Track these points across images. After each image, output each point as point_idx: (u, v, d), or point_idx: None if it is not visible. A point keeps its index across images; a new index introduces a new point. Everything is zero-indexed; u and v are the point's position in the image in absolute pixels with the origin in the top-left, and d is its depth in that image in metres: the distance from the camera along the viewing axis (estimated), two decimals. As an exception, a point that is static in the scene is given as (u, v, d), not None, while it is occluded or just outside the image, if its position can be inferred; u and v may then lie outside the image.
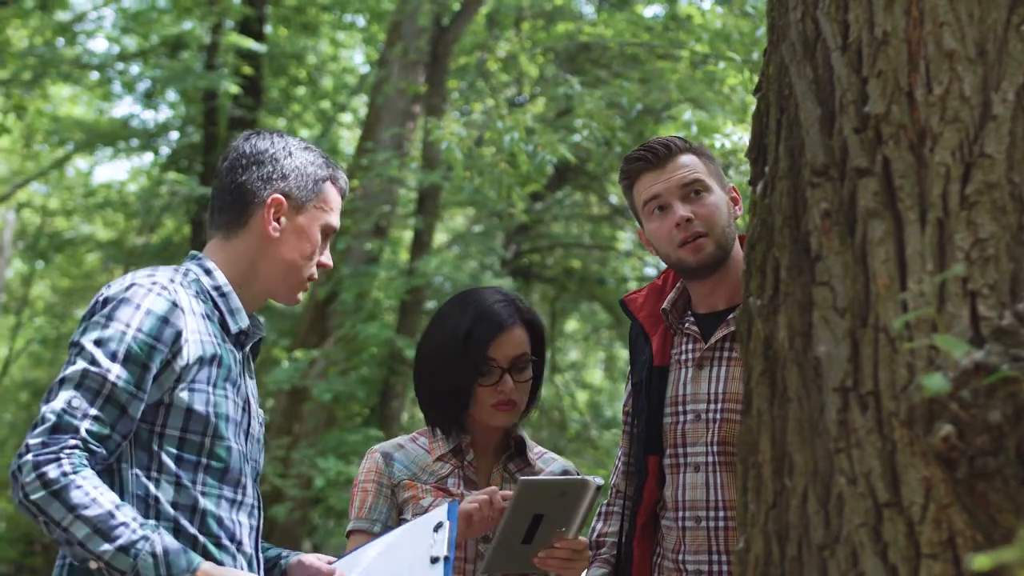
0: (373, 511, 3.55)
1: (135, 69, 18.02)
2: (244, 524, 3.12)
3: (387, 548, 3.21)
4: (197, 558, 2.86)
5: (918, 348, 2.04)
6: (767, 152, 2.39)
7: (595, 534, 3.77)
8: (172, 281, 3.09)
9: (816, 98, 2.28)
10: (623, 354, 17.92)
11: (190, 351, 3.01)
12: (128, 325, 2.96)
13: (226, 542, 3.05)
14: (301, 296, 3.29)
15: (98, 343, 2.95)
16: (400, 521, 3.52)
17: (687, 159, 3.56)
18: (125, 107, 35.16)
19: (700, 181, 3.53)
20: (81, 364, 2.93)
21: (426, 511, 3.46)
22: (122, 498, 2.92)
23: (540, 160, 9.09)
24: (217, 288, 3.17)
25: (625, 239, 17.36)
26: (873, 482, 2.05)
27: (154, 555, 2.79)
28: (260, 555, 3.21)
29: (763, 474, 2.25)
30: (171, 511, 2.97)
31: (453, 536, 3.03)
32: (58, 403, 2.88)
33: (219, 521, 3.04)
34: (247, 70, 16.19)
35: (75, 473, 2.81)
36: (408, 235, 15.33)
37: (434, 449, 3.63)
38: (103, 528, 2.79)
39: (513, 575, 3.49)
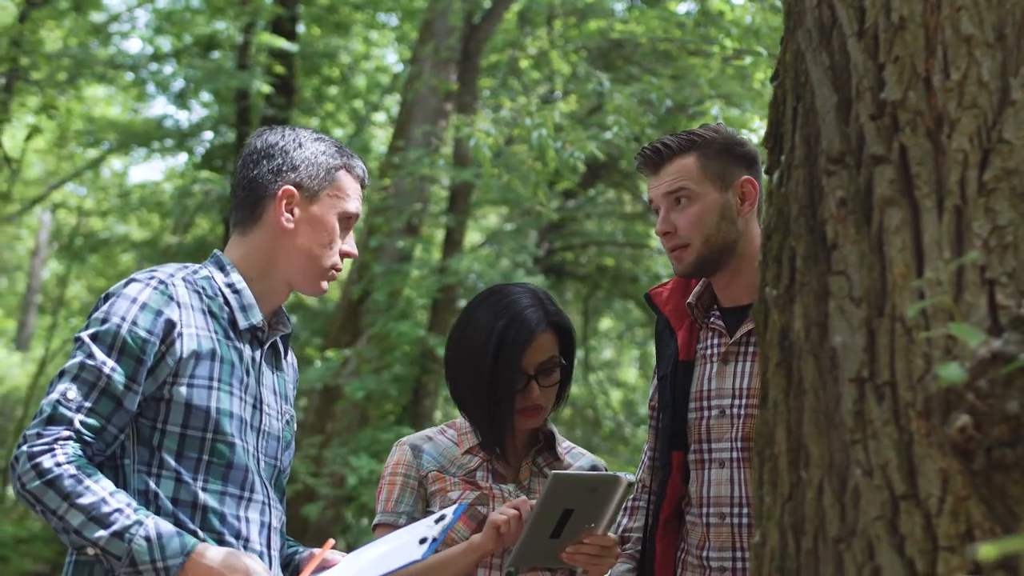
0: (399, 504, 3.52)
1: (168, 69, 18.08)
2: (253, 521, 3.12)
3: (391, 536, 3.22)
4: (191, 540, 2.87)
5: (935, 338, 2.01)
6: (783, 140, 2.36)
7: (620, 529, 3.74)
8: (172, 276, 3.12)
9: (832, 85, 2.24)
10: (657, 352, 17.82)
11: (184, 345, 3.03)
12: (123, 319, 3.01)
13: (229, 539, 3.05)
14: (326, 286, 3.28)
15: (95, 337, 3.01)
16: (427, 514, 3.51)
17: (680, 163, 3.53)
18: (159, 107, 35.31)
19: (684, 189, 3.51)
20: (79, 357, 2.99)
21: (454, 504, 3.45)
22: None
23: (568, 157, 9.05)
24: (230, 285, 3.17)
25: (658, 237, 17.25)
26: (890, 474, 2.02)
27: (148, 539, 2.81)
28: (273, 552, 3.19)
29: (779, 466, 2.22)
30: (170, 507, 2.99)
31: (448, 526, 3.04)
32: (55, 395, 2.95)
33: (222, 518, 3.04)
34: (279, 69, 16.22)
35: (69, 463, 2.85)
36: (440, 233, 15.33)
37: (462, 442, 3.61)
38: (97, 515, 2.82)
39: (540, 569, 3.47)
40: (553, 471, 3.23)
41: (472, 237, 17.49)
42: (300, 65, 17.31)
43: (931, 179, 2.09)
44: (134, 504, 2.87)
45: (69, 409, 2.91)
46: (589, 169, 14.75)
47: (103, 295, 3.10)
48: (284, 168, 3.21)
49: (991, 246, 2.02)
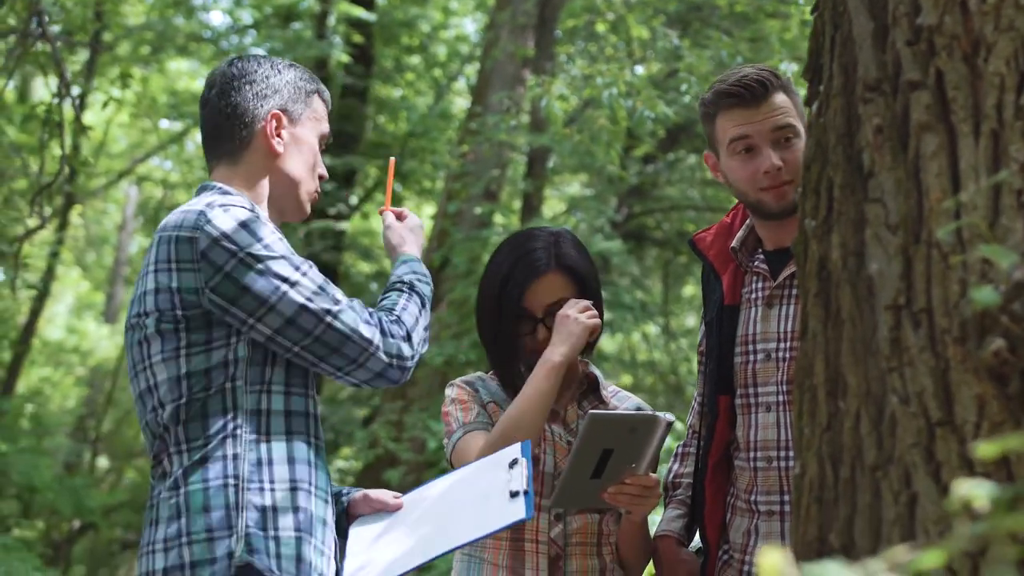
0: (478, 417, 3.54)
1: (248, 41, 18.19)
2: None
3: (458, 483, 3.20)
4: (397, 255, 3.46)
5: (971, 263, 1.99)
6: (822, 71, 2.34)
7: (671, 475, 3.74)
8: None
9: (869, 12, 2.22)
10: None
11: None
12: (260, 239, 3.03)
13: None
14: (309, 209, 3.34)
15: (286, 278, 3.03)
16: None
17: (780, 99, 3.43)
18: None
19: (792, 126, 3.42)
20: (290, 290, 3.02)
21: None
22: (235, 413, 2.98)
23: (639, 116, 9.00)
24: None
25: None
26: (926, 401, 2.00)
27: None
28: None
29: (817, 397, 2.21)
30: (283, 425, 3.05)
31: (530, 472, 3.02)
32: (342, 320, 3.05)
33: (318, 426, 3.18)
34: (358, 39, 16.28)
35: (380, 314, 3.13)
36: (519, 201, 15.31)
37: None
38: (412, 303, 3.24)
39: (583, 510, 3.47)
40: (591, 411, 3.22)
41: (556, 207, 17.43)
42: (379, 34, 17.34)
43: (967, 104, 2.06)
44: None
45: (353, 309, 3.06)
46: (668, 134, 14.67)
47: (206, 243, 2.98)
48: (268, 92, 3.26)
49: (1028, 170, 1.99)
